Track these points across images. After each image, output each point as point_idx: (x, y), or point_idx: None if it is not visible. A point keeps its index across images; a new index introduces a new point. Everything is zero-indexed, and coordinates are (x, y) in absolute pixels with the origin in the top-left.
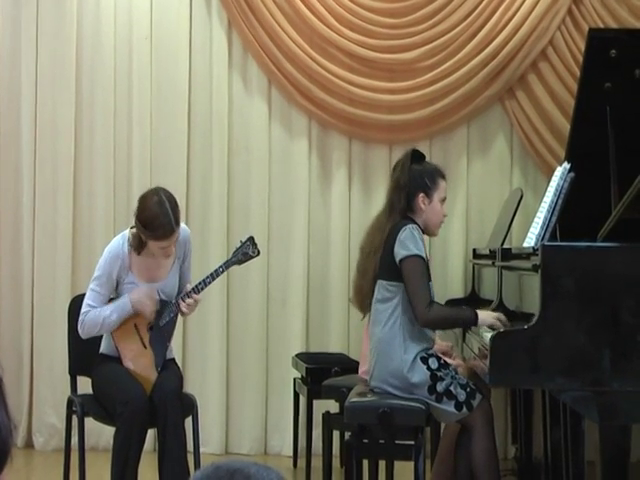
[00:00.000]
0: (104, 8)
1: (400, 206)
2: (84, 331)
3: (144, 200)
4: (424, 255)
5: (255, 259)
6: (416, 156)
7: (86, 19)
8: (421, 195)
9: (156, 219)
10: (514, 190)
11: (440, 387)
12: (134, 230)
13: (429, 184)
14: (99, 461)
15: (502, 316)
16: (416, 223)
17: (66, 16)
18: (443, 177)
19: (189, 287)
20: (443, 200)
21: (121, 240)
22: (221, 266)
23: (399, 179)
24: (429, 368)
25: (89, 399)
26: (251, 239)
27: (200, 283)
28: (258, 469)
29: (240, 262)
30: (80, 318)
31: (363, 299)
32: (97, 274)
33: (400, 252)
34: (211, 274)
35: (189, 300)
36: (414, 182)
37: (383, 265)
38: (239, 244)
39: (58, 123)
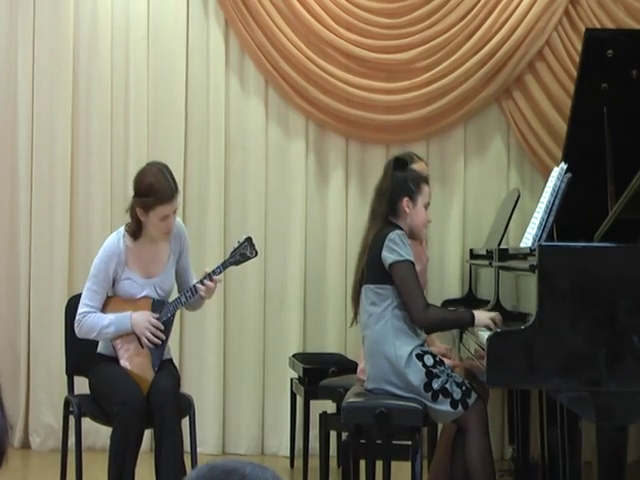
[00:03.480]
0: (101, 8)
1: (381, 211)
2: (80, 332)
3: (142, 172)
4: (413, 259)
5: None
6: (399, 163)
7: (83, 18)
8: (405, 199)
9: (157, 183)
10: (511, 190)
11: (436, 384)
12: (129, 221)
13: (413, 188)
14: (96, 461)
15: (498, 316)
16: (401, 228)
17: (63, 15)
18: (426, 182)
19: (208, 270)
20: (427, 205)
21: (116, 237)
22: (219, 267)
23: (381, 185)
24: (424, 365)
25: (86, 399)
26: (249, 239)
27: (197, 283)
28: (253, 469)
29: (238, 263)
30: (77, 318)
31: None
32: (93, 272)
33: (390, 257)
34: (208, 274)
35: (209, 283)
36: (397, 187)
37: (370, 270)
38: (237, 244)
39: (55, 124)
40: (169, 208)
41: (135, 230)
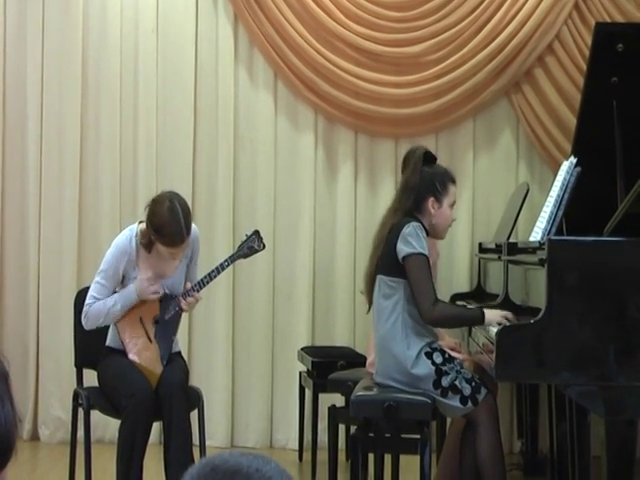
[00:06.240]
0: (110, 0)
1: (406, 206)
2: (88, 322)
3: (156, 204)
4: (427, 253)
5: (260, 252)
6: (428, 158)
7: (92, 11)
8: (431, 199)
9: (167, 226)
10: (520, 184)
11: (445, 381)
12: (143, 227)
13: (440, 189)
14: (105, 454)
15: (510, 314)
16: (420, 222)
17: (72, 7)
18: (453, 182)
19: (189, 285)
20: (452, 205)
21: (129, 235)
22: (226, 260)
23: (409, 180)
24: (434, 363)
25: (95, 392)
26: (256, 233)
27: (205, 277)
28: (256, 469)
29: (246, 256)
30: (84, 309)
31: (370, 290)
32: (103, 267)
33: (403, 249)
34: (216, 268)
35: (190, 299)
36: (424, 185)
37: (384, 261)
38: (244, 237)
39: (64, 116)
40: (175, 250)
41: (147, 245)
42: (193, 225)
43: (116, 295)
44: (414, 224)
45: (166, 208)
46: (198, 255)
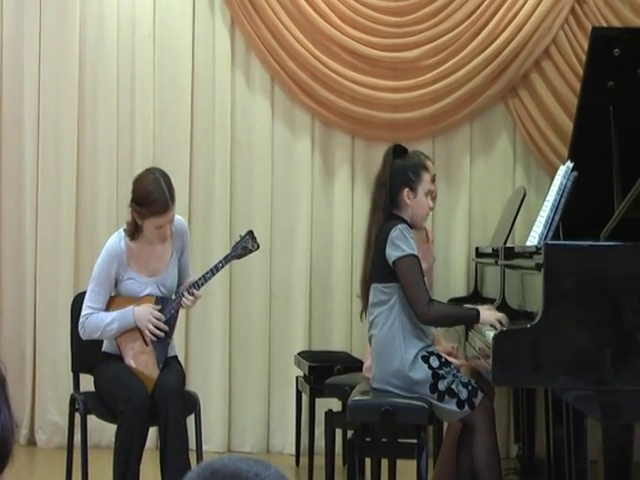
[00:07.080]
0: (107, 5)
1: (383, 204)
2: (85, 333)
3: (139, 179)
4: (416, 253)
5: (257, 256)
6: (398, 151)
7: (89, 16)
8: (406, 190)
9: (151, 194)
10: (517, 189)
11: (442, 385)
12: (128, 219)
13: (413, 178)
14: (102, 459)
15: (505, 318)
16: (404, 221)
17: (69, 12)
18: (427, 169)
19: (189, 282)
20: (428, 193)
21: (117, 237)
22: (221, 261)
23: (380, 177)
24: (430, 367)
25: (92, 397)
26: (250, 233)
27: (200, 278)
28: (257, 473)
29: (240, 256)
30: (81, 320)
31: (365, 297)
32: (95, 274)
33: (393, 254)
34: (211, 269)
35: (189, 297)
36: (397, 178)
37: (375, 268)
38: (238, 238)
39: (61, 121)
40: (163, 219)
41: (133, 232)
42: (181, 218)
43: (114, 313)
44: (400, 226)
45: (148, 179)
46: (188, 248)
